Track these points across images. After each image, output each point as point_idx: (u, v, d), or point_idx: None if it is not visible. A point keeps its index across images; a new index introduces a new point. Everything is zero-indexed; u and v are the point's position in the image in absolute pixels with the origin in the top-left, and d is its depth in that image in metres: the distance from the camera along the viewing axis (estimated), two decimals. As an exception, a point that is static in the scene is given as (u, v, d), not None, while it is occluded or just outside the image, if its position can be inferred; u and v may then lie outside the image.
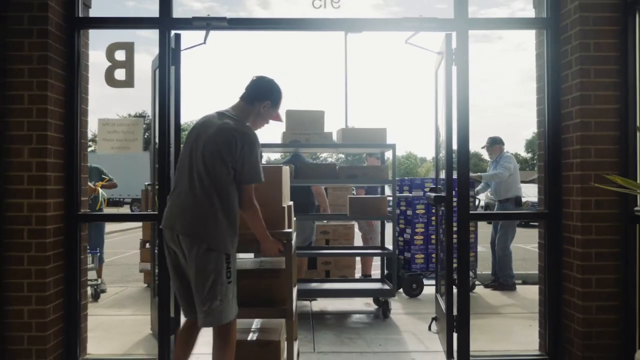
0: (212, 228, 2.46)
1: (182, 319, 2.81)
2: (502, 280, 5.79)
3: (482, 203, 8.75)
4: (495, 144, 6.13)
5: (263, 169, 2.63)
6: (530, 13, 3.68)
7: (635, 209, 1.91)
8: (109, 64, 3.39)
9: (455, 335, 3.42)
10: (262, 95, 2.67)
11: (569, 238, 3.24)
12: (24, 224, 3.05)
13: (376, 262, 6.49)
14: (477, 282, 5.88)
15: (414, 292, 5.56)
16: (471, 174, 6.18)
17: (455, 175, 3.47)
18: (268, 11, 75.41)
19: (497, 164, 5.97)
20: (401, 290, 5.56)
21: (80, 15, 3.36)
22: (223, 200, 2.49)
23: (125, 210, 22.86)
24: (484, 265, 6.57)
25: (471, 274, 5.84)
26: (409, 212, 5.90)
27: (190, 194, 2.48)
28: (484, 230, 6.80)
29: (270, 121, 2.79)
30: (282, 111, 2.85)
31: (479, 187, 6.46)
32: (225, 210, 2.50)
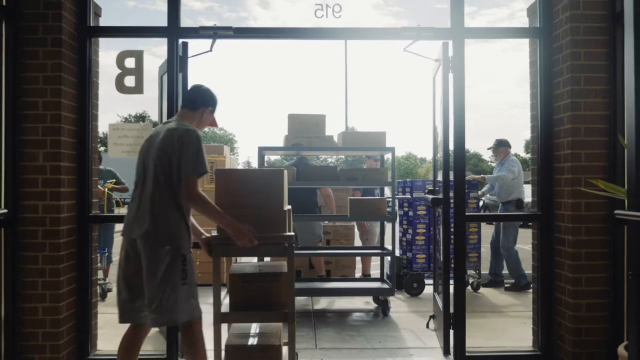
0: (166, 228, 2.59)
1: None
2: (516, 281, 5.89)
3: (481, 204, 8.88)
4: (501, 146, 6.19)
5: (264, 171, 2.75)
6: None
7: (616, 212, 2.04)
8: (119, 70, 3.53)
9: (451, 332, 3.57)
10: (204, 102, 2.88)
11: (560, 239, 3.38)
12: (39, 225, 3.19)
13: (378, 262, 6.61)
14: (478, 281, 5.98)
15: (414, 291, 5.69)
16: (475, 176, 6.32)
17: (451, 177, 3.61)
18: (268, 11, 75.49)
19: (502, 167, 6.05)
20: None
21: (91, 25, 3.49)
22: (176, 200, 2.62)
23: (126, 210, 22.92)
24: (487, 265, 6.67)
25: (475, 274, 5.97)
26: (411, 213, 6.05)
27: (144, 199, 2.62)
28: (487, 231, 6.92)
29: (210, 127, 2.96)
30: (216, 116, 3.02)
31: (484, 189, 6.57)
32: (179, 210, 2.63)
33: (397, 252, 6.30)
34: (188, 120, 2.80)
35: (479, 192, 6.41)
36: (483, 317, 4.82)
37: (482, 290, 5.94)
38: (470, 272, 5.97)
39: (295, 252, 3.85)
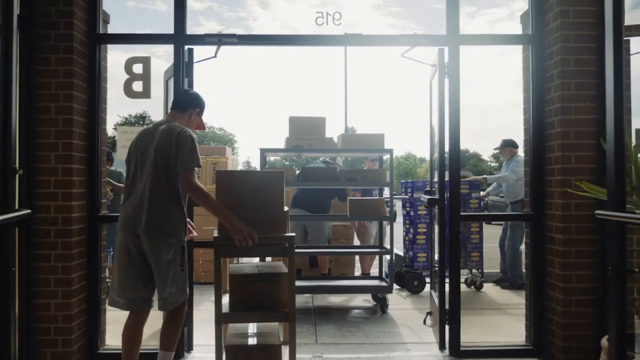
0: (169, 222, 2.82)
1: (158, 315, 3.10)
2: (513, 280, 5.98)
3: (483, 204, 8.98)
4: (506, 146, 6.22)
5: (264, 172, 3.00)
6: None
7: (597, 212, 2.18)
8: (127, 76, 3.68)
9: (447, 327, 3.71)
10: (192, 104, 3.11)
11: (551, 237, 3.52)
12: (51, 224, 3.33)
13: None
14: (481, 280, 6.08)
15: (415, 288, 5.83)
16: (477, 177, 6.44)
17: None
18: (268, 11, 75.71)
19: (508, 167, 6.12)
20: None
21: (100, 32, 3.63)
22: (176, 195, 2.85)
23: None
24: (489, 264, 6.76)
25: (478, 273, 6.08)
26: (412, 213, 6.20)
27: (147, 196, 2.81)
28: (489, 231, 7.04)
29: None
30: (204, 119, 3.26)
31: (489, 189, 6.66)
32: (179, 204, 2.87)
33: (401, 251, 6.46)
34: (178, 121, 3.01)
35: (482, 193, 6.50)
36: (480, 314, 4.95)
37: (485, 289, 6.02)
38: (474, 271, 6.08)
39: (296, 251, 3.98)
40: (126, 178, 2.99)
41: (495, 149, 6.50)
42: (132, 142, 3.00)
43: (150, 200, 2.79)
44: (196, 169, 2.85)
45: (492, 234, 6.78)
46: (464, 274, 6.24)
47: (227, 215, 2.83)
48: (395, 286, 5.99)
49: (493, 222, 9.51)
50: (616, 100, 2.12)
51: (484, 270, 6.17)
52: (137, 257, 2.84)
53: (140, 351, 3.86)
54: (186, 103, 3.09)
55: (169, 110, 3.88)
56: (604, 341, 2.56)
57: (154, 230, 2.78)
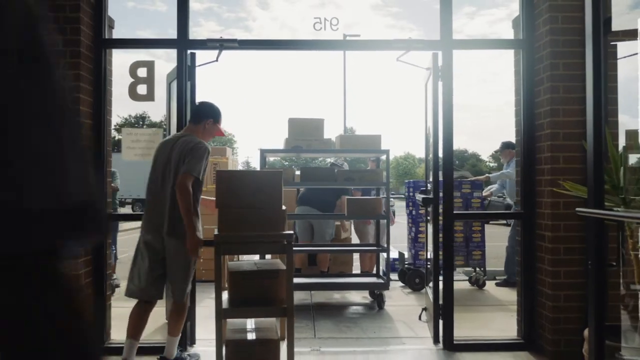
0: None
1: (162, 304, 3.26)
2: (508, 277, 6.05)
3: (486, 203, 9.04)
4: (506, 148, 6.32)
5: (263, 172, 3.32)
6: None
7: (577, 209, 2.30)
8: (132, 79, 3.80)
9: (440, 322, 3.83)
10: (205, 115, 3.38)
11: (541, 235, 3.65)
12: (59, 222, 3.44)
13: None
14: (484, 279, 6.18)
15: (416, 285, 5.94)
16: (479, 177, 6.58)
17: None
18: (267, 12, 75.75)
19: (509, 167, 6.21)
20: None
21: (106, 37, 3.75)
22: (193, 201, 3.12)
23: (127, 210, 23.17)
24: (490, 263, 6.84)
25: (480, 271, 6.19)
26: (414, 212, 6.34)
27: (168, 204, 3.12)
28: (494, 230, 7.15)
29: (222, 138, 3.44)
30: (223, 127, 3.53)
31: (492, 189, 6.79)
32: (195, 209, 3.14)
33: (406, 249, 6.59)
34: (194, 132, 3.31)
35: (484, 193, 6.61)
36: (476, 310, 5.08)
37: (487, 287, 6.06)
38: (477, 269, 6.19)
39: (295, 249, 4.10)
40: (148, 184, 3.26)
41: (495, 151, 6.64)
42: (155, 151, 3.31)
43: (172, 207, 3.09)
44: (198, 180, 3.14)
45: (493, 233, 6.90)
46: (460, 272, 6.38)
47: (194, 227, 3.06)
48: (399, 283, 6.13)
49: (492, 222, 9.66)
50: (595, 105, 2.24)
51: (487, 269, 6.27)
52: (157, 255, 3.17)
53: (146, 345, 4.01)
54: (200, 115, 3.38)
55: (172, 112, 4.04)
56: (586, 332, 2.68)
57: (176, 231, 3.09)
